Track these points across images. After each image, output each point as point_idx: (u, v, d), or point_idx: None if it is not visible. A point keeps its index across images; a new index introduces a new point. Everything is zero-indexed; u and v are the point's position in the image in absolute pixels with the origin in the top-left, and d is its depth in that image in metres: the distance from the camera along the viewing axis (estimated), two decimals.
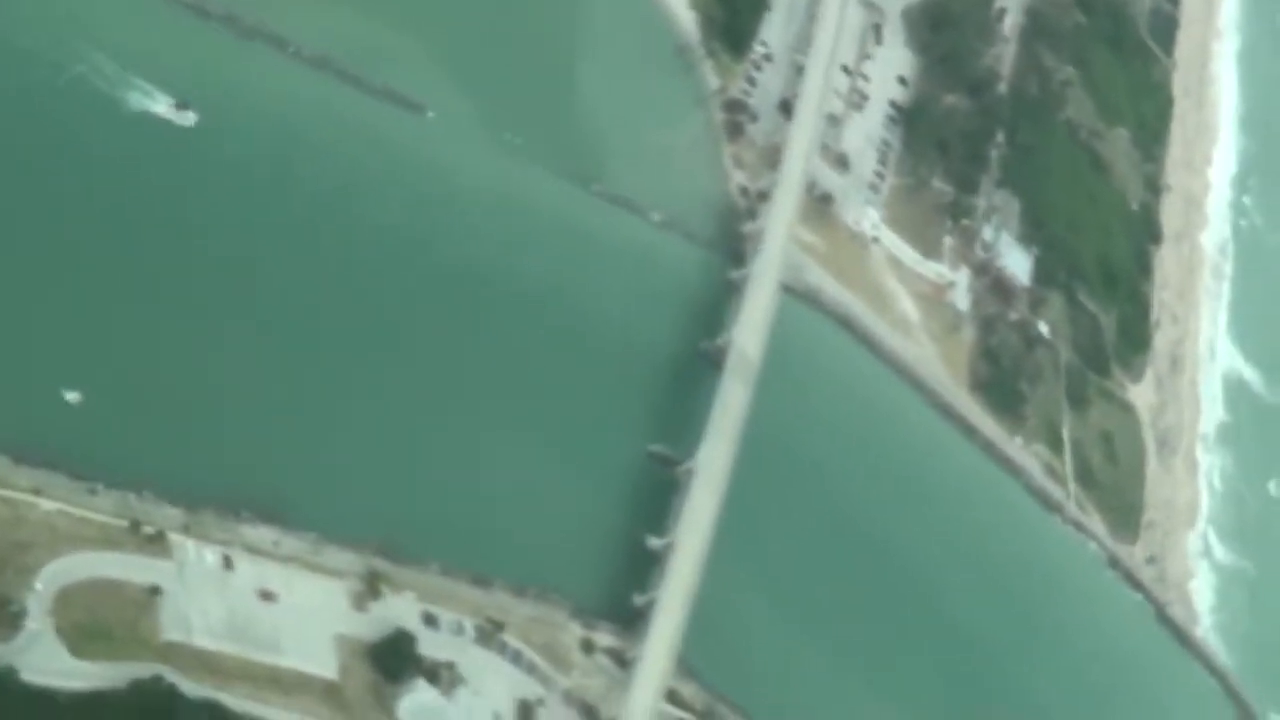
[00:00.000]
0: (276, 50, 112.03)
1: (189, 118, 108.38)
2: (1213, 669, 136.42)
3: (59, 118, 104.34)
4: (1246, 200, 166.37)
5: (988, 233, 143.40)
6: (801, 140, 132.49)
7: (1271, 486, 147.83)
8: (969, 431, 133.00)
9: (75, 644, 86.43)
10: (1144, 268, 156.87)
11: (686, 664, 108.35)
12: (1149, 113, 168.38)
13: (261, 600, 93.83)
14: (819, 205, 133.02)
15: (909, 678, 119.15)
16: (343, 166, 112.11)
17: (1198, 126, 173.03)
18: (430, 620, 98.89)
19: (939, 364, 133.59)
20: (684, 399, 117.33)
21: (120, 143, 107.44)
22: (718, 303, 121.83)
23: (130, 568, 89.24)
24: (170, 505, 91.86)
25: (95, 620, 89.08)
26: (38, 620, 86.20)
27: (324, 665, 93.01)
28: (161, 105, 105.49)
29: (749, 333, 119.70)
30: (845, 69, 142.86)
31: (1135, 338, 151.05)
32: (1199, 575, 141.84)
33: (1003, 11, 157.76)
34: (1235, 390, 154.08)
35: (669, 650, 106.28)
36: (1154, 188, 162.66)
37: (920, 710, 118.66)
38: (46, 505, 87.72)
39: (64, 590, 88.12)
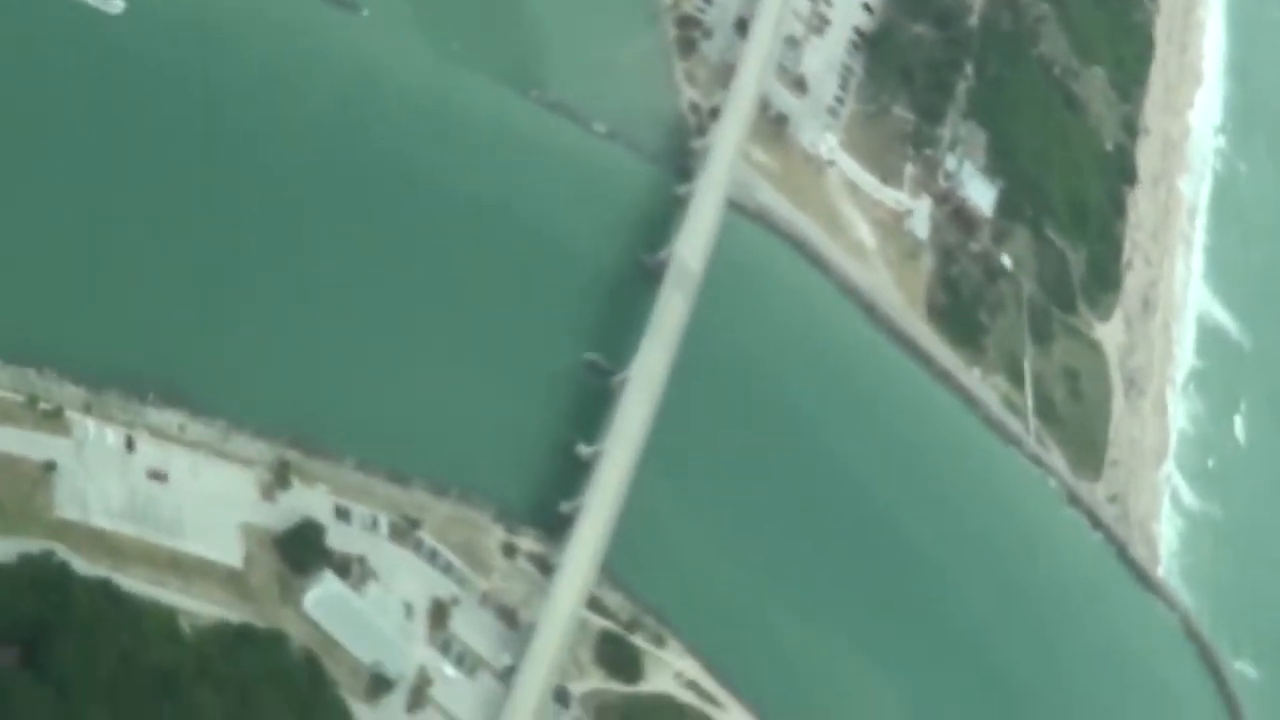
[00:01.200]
0: None
1: (116, 5, 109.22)
2: (1174, 608, 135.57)
3: None
4: (1227, 147, 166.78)
5: (950, 162, 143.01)
6: (756, 59, 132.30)
7: (1240, 432, 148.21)
8: (923, 359, 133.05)
9: None
10: (1117, 208, 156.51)
11: (612, 573, 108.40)
12: (1128, 54, 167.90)
13: (163, 484, 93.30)
14: (774, 126, 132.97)
15: (842, 592, 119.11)
16: (271, 60, 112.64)
17: (1180, 71, 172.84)
18: (342, 514, 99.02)
19: (894, 290, 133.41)
20: (622, 310, 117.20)
21: (55, 28, 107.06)
22: (662, 217, 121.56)
23: (25, 443, 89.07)
24: (72, 384, 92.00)
25: None
26: None
27: (227, 552, 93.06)
28: None
29: (692, 246, 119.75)
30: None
31: (1105, 277, 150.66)
32: (1163, 517, 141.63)
33: None
34: (1209, 335, 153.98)
35: (593, 558, 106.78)
36: (1131, 129, 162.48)
37: (853, 625, 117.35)
38: None
39: None
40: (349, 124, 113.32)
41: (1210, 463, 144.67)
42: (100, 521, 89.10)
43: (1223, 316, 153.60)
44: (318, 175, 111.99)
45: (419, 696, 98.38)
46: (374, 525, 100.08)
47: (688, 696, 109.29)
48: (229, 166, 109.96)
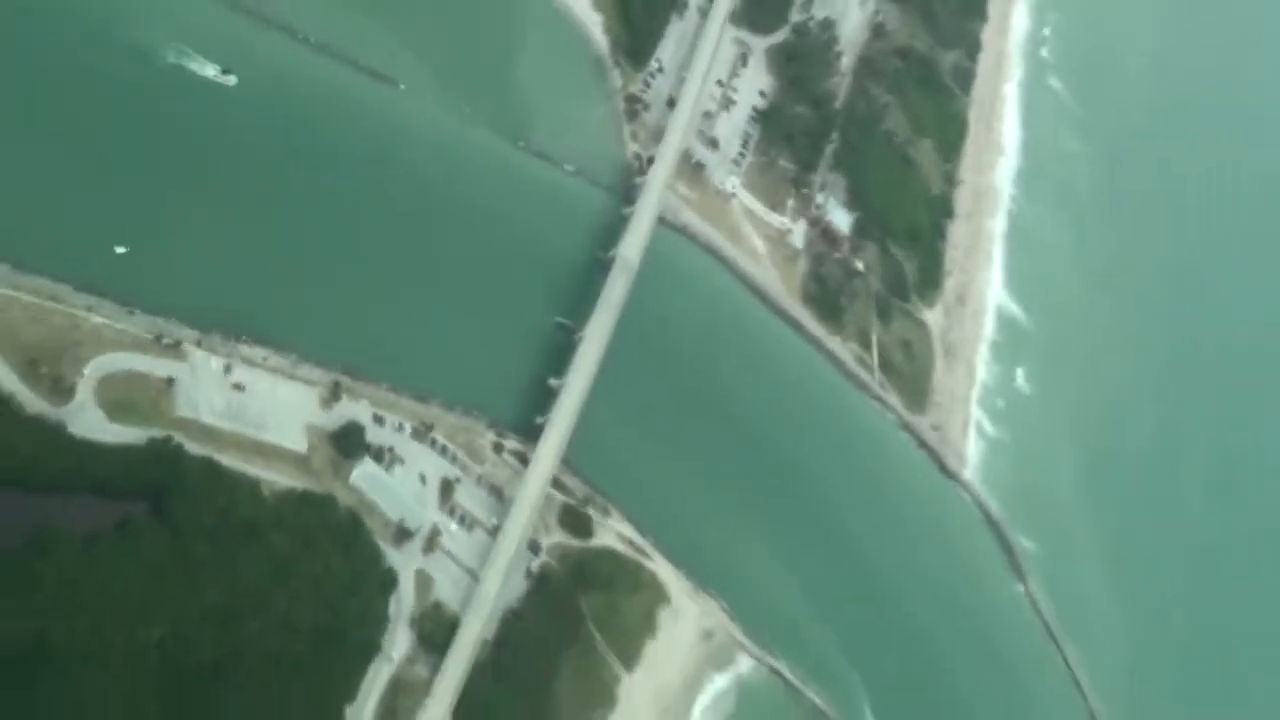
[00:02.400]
0: (290, 37, 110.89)
1: (231, 80, 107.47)
2: (977, 505, 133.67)
3: (144, 81, 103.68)
4: (1019, 194, 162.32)
5: (820, 198, 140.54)
6: (680, 125, 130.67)
7: (1021, 384, 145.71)
8: (799, 330, 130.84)
9: (110, 412, 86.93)
10: (940, 234, 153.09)
11: (571, 464, 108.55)
12: (950, 131, 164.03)
13: (251, 395, 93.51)
14: (694, 170, 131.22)
15: (737, 480, 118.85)
16: (336, 120, 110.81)
17: (986, 142, 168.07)
18: (378, 420, 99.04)
19: (779, 283, 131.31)
20: (583, 289, 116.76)
21: (185, 96, 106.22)
22: (613, 227, 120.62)
23: (154, 366, 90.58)
24: (188, 327, 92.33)
25: (126, 397, 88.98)
26: (84, 394, 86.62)
27: (296, 443, 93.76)
28: (211, 71, 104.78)
29: (632, 247, 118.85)
30: (719, 82, 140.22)
31: (930, 279, 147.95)
32: (970, 441, 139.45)
33: (840, 54, 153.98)
34: (1003, 320, 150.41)
35: (557, 454, 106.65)
36: (951, 181, 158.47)
37: (743, 502, 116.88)
38: (96, 319, 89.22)
39: (105, 376, 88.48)
40: (393, 164, 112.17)
41: (1000, 404, 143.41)
42: (207, 419, 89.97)
43: (1014, 309, 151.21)
44: (372, 196, 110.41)
45: (431, 544, 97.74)
46: (400, 428, 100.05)
47: (625, 549, 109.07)
48: (311, 194, 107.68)
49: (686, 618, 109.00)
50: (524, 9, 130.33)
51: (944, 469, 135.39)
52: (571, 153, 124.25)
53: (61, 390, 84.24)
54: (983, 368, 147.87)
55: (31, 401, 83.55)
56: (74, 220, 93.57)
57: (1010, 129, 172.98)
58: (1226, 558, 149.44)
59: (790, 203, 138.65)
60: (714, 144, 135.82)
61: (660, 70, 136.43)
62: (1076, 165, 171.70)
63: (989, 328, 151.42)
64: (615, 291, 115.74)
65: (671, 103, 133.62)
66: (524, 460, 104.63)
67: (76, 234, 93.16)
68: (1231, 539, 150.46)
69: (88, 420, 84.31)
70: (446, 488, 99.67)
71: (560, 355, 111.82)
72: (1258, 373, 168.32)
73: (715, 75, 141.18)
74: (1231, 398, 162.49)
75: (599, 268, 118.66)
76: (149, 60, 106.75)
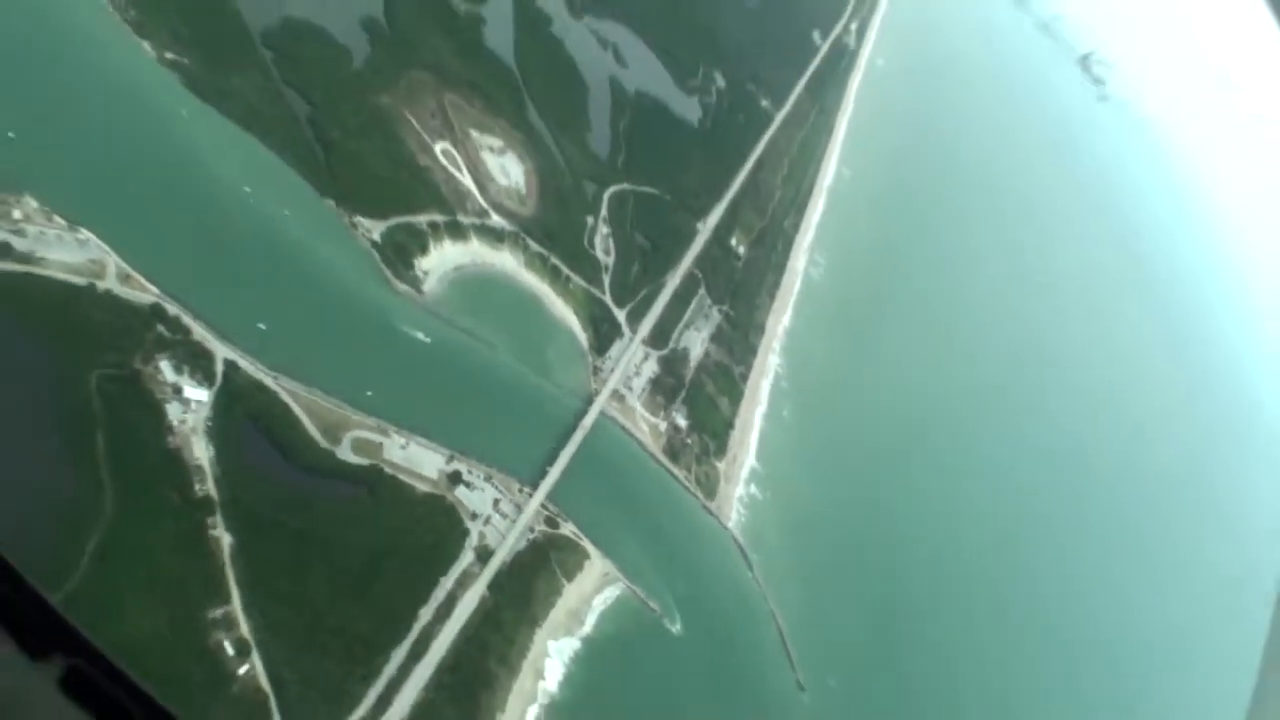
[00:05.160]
0: (439, 321, 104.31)
1: (425, 340, 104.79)
2: (734, 541, 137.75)
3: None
4: (785, 413, 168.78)
5: (675, 414, 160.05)
6: (615, 379, 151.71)
7: (754, 490, 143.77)
8: (661, 465, 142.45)
9: (355, 451, 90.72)
10: (729, 430, 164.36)
11: (553, 498, 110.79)
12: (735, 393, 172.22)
13: (416, 454, 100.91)
14: (619, 397, 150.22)
15: (631, 521, 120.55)
16: (471, 357, 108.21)
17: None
18: (469, 470, 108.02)
19: (653, 444, 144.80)
20: (564, 434, 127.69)
21: (399, 348, 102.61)
22: (580, 414, 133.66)
23: (374, 435, 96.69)
24: (388, 422, 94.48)
25: (364, 447, 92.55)
26: (345, 447, 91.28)
27: (432, 474, 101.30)
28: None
29: (588, 420, 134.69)
30: (635, 366, 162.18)
31: (721, 449, 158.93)
32: (734, 514, 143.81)
33: (690, 361, 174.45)
34: (751, 471, 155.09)
35: (545, 493, 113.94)
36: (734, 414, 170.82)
37: (631, 528, 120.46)
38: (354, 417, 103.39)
39: (354, 439, 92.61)
40: (493, 383, 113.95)
41: (749, 500, 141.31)
42: (398, 459, 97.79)
43: (755, 464, 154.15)
44: (476, 382, 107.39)
45: (486, 521, 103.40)
46: (475, 473, 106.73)
47: (572, 536, 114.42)
48: (440, 382, 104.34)
49: (597, 565, 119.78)
50: (554, 329, 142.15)
51: (722, 525, 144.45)
52: (565, 382, 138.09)
53: (332, 440, 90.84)
54: (743, 487, 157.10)
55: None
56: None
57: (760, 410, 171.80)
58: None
59: (661, 414, 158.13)
60: (630, 387, 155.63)
61: (609, 356, 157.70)
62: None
63: (746, 470, 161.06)
64: (578, 436, 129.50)
65: (612, 369, 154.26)
66: (530, 494, 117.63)
67: (236, 318, 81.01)
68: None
69: (347, 452, 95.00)
70: (495, 501, 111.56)
71: (551, 457, 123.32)
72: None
73: (634, 361, 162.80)
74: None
75: (573, 428, 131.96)
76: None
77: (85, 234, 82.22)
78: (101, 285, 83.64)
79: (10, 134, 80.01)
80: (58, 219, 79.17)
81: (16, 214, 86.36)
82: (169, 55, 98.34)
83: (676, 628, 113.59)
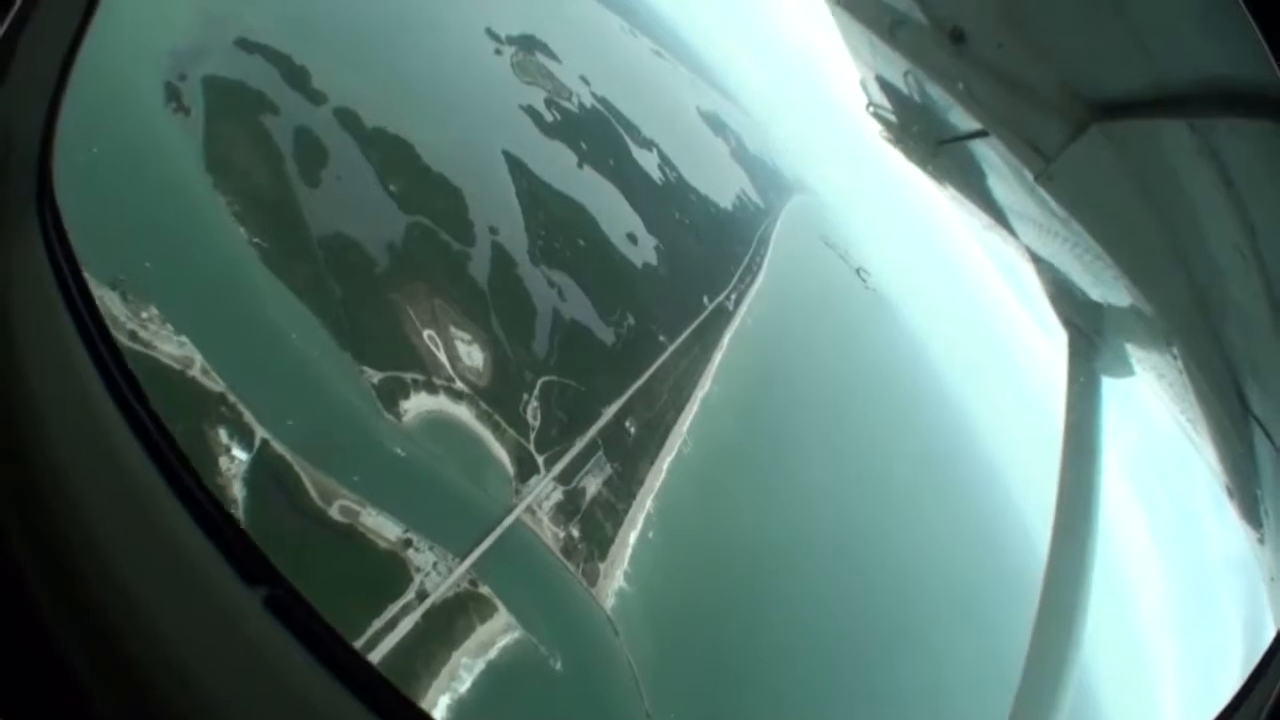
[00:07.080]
0: None
1: None
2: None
3: None
4: (651, 535, 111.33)
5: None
6: (530, 500, 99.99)
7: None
8: None
9: None
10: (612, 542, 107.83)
11: None
12: None
13: None
14: (528, 511, 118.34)
15: None
16: None
17: None
18: None
19: None
20: (483, 525, 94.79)
21: None
22: (503, 515, 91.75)
23: None
24: None
25: None
26: None
27: None
28: None
29: (509, 521, 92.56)
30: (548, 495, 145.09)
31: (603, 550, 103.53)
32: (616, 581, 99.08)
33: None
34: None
35: None
36: (611, 540, 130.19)
37: None
38: None
39: None
40: None
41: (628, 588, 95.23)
42: None
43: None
44: None
45: None
46: None
47: None
48: None
49: (503, 616, 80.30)
50: (492, 462, 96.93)
51: (599, 604, 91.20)
52: (497, 496, 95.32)
53: (326, 503, 74.83)
54: (618, 582, 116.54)
55: None
56: None
57: None
58: None
59: (562, 526, 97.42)
60: (541, 507, 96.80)
61: (529, 486, 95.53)
62: None
63: (621, 571, 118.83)
64: (500, 529, 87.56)
65: (530, 492, 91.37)
66: (460, 562, 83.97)
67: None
68: None
69: (336, 513, 75.17)
70: (434, 563, 77.78)
71: (479, 540, 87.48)
72: None
73: (546, 490, 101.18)
74: None
75: (498, 523, 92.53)
76: None
77: (184, 339, 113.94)
78: (189, 372, 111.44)
79: (147, 264, 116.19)
80: (168, 325, 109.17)
81: (144, 314, 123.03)
82: (256, 240, 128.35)
83: (558, 665, 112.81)
